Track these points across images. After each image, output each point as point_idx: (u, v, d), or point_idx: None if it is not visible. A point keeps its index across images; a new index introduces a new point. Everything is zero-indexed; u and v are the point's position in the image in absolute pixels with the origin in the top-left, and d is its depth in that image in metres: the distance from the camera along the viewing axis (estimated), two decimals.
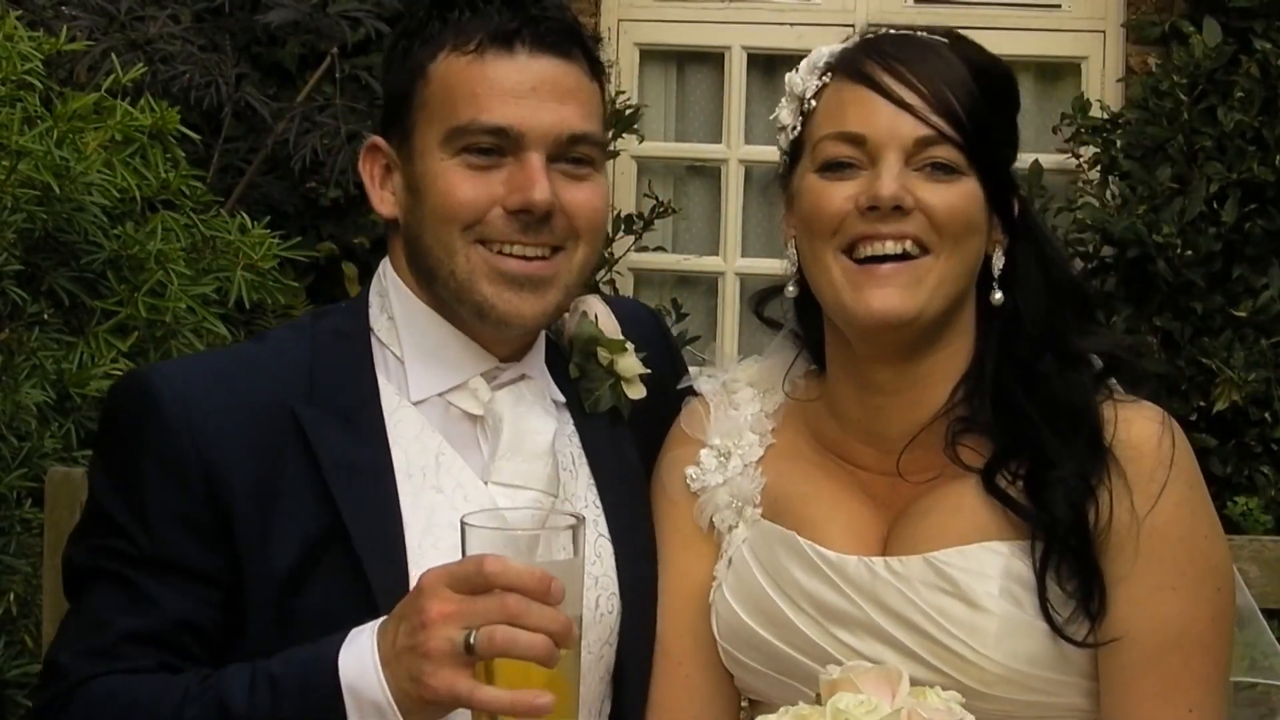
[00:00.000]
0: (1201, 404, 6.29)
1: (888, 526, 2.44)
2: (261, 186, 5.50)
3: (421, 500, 2.43)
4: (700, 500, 2.54)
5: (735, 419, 2.56)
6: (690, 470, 2.55)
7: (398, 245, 2.54)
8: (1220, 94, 6.37)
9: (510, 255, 2.43)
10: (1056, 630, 2.32)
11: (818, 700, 2.25)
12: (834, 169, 2.41)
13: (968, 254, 2.41)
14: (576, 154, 2.46)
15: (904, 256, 2.37)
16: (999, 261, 2.44)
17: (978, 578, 2.34)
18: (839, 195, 2.39)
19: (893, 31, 2.47)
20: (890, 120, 2.37)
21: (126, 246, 3.67)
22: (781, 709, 2.28)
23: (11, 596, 3.36)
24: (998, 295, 2.43)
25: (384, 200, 2.52)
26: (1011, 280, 2.45)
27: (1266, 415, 6.30)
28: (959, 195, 2.38)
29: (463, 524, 2.16)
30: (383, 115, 2.55)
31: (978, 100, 2.38)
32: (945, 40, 2.44)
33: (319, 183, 5.73)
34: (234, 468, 2.37)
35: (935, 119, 2.36)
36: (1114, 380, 2.46)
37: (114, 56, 4.40)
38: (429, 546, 2.40)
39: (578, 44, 2.48)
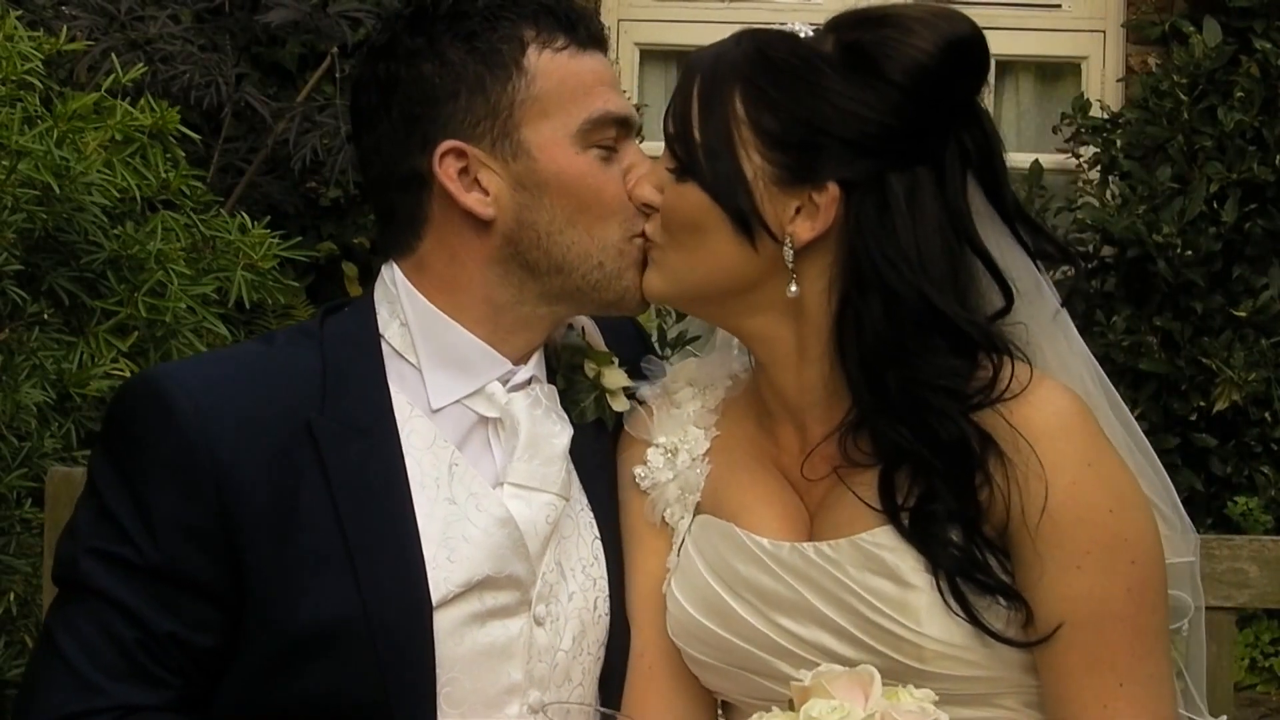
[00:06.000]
0: (1201, 404, 6.29)
1: (811, 513, 2.47)
2: (261, 186, 5.50)
3: (436, 512, 2.40)
4: (651, 497, 2.55)
5: (678, 416, 2.57)
6: (638, 470, 2.56)
7: (460, 246, 2.47)
8: (1220, 94, 6.38)
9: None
10: (994, 636, 2.33)
11: (790, 707, 2.26)
12: None
13: (693, 252, 2.43)
14: None
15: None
16: (789, 254, 2.39)
17: (903, 555, 2.35)
18: None
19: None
20: None
21: (126, 246, 3.66)
22: (754, 715, 2.29)
23: (11, 596, 3.36)
24: (793, 289, 2.41)
25: (481, 202, 2.44)
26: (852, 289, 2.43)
27: (1266, 415, 6.32)
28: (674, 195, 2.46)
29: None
30: (441, 115, 2.44)
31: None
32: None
33: (319, 183, 5.74)
34: (249, 482, 2.33)
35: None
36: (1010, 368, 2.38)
37: (114, 56, 4.40)
38: (444, 560, 2.38)
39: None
